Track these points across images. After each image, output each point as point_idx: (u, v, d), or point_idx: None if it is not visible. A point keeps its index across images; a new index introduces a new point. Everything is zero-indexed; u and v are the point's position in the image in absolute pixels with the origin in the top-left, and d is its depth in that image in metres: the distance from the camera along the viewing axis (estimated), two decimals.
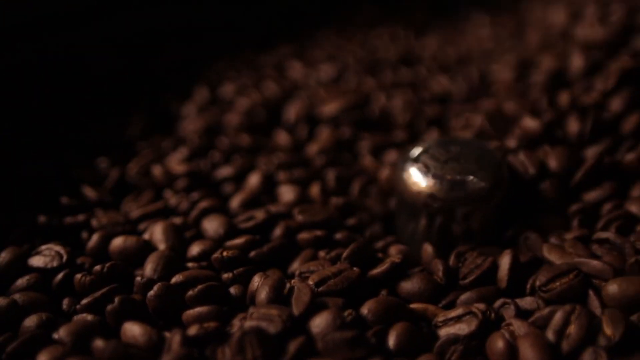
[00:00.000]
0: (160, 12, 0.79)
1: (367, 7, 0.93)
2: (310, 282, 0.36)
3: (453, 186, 0.43)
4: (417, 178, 0.44)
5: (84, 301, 0.37)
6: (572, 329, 0.32)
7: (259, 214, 0.44)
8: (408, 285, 0.39)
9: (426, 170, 0.44)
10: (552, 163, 0.46)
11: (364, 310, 0.35)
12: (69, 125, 0.60)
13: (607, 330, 0.31)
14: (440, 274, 0.39)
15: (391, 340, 0.33)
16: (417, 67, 0.72)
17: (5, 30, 0.66)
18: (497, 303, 0.37)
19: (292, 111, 0.60)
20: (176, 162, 0.53)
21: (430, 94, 0.63)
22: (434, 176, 0.43)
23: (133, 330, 0.34)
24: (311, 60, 0.74)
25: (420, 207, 0.44)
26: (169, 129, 0.60)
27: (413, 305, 0.37)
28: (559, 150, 0.46)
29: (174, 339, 0.32)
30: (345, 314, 0.33)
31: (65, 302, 0.39)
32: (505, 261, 0.39)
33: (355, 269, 0.38)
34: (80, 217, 0.46)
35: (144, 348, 0.33)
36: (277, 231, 0.43)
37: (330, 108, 0.59)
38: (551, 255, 0.40)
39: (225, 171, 0.52)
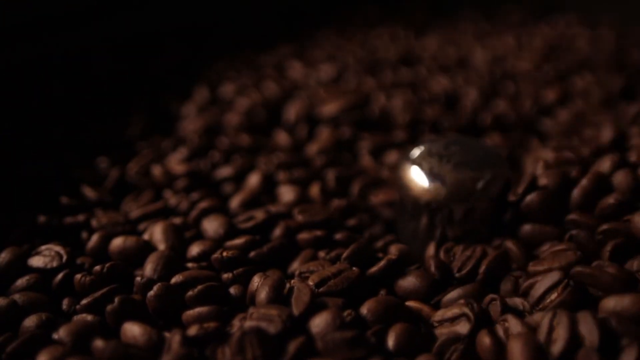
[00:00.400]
0: (160, 12, 0.79)
1: (367, 7, 0.93)
2: (311, 283, 0.36)
3: (453, 185, 0.43)
4: (418, 177, 0.44)
5: (84, 301, 0.37)
6: (557, 333, 0.31)
7: (259, 214, 0.44)
8: (404, 283, 0.39)
9: (426, 170, 0.44)
10: (543, 181, 0.44)
11: (364, 310, 0.35)
12: (69, 125, 0.60)
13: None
14: (433, 269, 0.39)
15: (390, 341, 0.33)
16: (417, 67, 0.72)
17: (5, 30, 0.66)
18: (487, 299, 0.37)
19: (292, 111, 0.60)
20: (176, 162, 0.53)
21: (429, 94, 0.63)
22: (434, 175, 0.43)
23: (133, 330, 0.34)
24: (311, 60, 0.74)
25: (420, 206, 0.44)
26: (168, 129, 0.60)
27: (410, 304, 0.37)
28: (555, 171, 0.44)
29: (174, 339, 0.32)
30: (345, 314, 0.33)
31: (65, 303, 0.39)
32: (487, 258, 0.39)
33: (354, 269, 0.38)
34: (80, 217, 0.46)
35: (144, 348, 0.33)
36: (277, 231, 0.43)
37: (330, 108, 0.59)
38: (538, 266, 0.39)
39: (225, 171, 0.52)
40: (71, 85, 0.66)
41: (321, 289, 0.36)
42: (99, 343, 0.32)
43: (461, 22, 0.89)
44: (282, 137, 0.57)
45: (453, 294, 0.38)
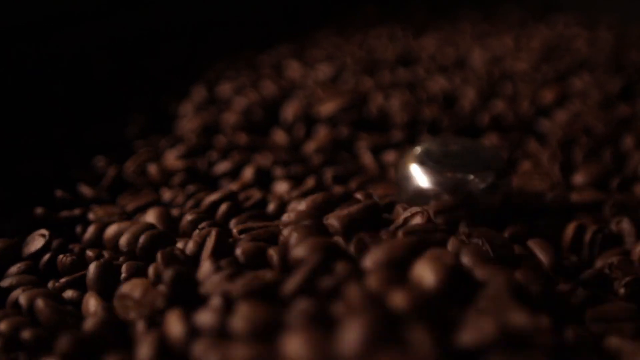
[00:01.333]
0: (160, 12, 0.80)
1: (366, 7, 0.93)
2: (235, 230, 0.39)
3: (454, 184, 0.43)
4: (419, 177, 0.44)
5: (63, 279, 0.38)
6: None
7: (256, 193, 0.45)
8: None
9: (427, 169, 0.44)
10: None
11: (237, 250, 0.35)
12: (68, 124, 0.60)
13: None
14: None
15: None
16: (415, 67, 0.72)
17: (6, 30, 0.67)
18: None
19: (289, 111, 0.60)
20: (173, 158, 0.53)
21: (427, 94, 0.64)
22: (435, 175, 0.43)
23: (89, 303, 0.35)
24: (310, 60, 0.74)
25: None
26: (167, 128, 0.60)
27: None
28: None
29: (98, 306, 0.34)
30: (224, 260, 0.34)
31: (50, 285, 0.39)
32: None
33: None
34: (77, 212, 0.46)
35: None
36: (271, 206, 0.44)
37: (327, 108, 0.59)
38: None
39: (222, 166, 0.51)
40: (71, 85, 0.67)
41: (243, 235, 0.38)
42: (39, 303, 0.34)
43: (460, 22, 0.89)
44: (279, 137, 0.57)
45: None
